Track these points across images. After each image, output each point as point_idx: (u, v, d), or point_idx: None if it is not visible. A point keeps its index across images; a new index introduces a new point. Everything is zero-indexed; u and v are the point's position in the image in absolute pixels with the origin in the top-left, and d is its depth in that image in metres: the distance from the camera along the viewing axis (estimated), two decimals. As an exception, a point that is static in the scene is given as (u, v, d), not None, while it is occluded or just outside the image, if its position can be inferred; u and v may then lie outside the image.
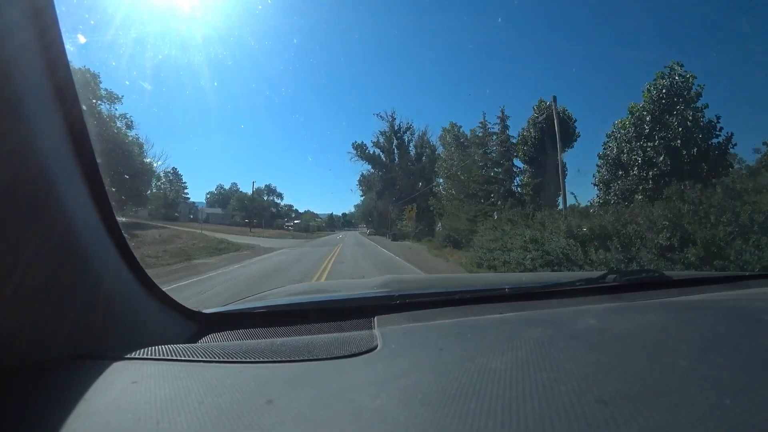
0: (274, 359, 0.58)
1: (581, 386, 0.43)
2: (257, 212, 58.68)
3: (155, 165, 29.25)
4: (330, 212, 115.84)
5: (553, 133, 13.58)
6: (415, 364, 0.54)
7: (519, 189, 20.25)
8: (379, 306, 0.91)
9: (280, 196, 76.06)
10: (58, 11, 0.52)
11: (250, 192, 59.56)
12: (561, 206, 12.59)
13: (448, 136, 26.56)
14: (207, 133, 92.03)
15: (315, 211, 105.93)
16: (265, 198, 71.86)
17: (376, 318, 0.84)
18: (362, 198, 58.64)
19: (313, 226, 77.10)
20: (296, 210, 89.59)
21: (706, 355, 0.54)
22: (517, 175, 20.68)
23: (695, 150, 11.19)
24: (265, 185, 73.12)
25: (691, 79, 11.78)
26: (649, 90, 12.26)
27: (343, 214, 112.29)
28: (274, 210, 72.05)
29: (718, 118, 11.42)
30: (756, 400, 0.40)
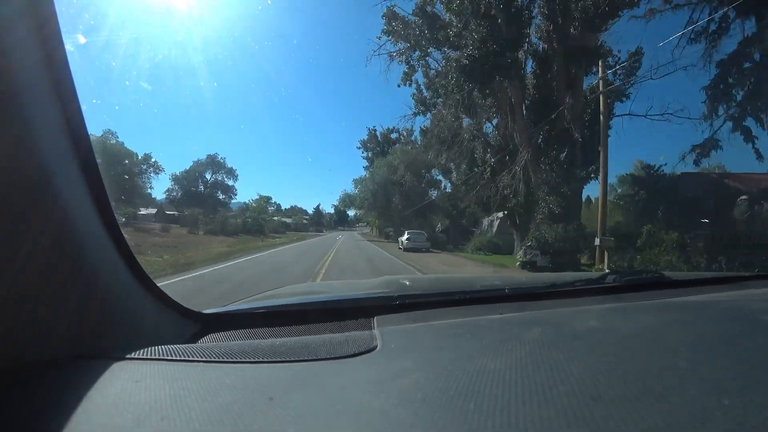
0: (275, 359, 0.58)
1: (581, 387, 0.43)
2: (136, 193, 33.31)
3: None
4: (318, 204, 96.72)
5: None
6: (414, 364, 0.54)
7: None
8: (378, 306, 0.92)
9: (231, 174, 47.90)
10: (57, 11, 0.52)
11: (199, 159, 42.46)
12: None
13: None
14: (204, 129, 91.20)
15: (302, 207, 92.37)
16: (208, 176, 46.43)
17: (375, 318, 0.84)
18: (367, 171, 35.47)
19: (282, 223, 52.75)
20: (277, 204, 69.56)
21: (705, 356, 0.54)
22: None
23: None
24: (208, 155, 46.84)
25: None
26: None
27: (333, 206, 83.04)
28: (222, 196, 46.69)
29: None
30: (756, 401, 0.40)
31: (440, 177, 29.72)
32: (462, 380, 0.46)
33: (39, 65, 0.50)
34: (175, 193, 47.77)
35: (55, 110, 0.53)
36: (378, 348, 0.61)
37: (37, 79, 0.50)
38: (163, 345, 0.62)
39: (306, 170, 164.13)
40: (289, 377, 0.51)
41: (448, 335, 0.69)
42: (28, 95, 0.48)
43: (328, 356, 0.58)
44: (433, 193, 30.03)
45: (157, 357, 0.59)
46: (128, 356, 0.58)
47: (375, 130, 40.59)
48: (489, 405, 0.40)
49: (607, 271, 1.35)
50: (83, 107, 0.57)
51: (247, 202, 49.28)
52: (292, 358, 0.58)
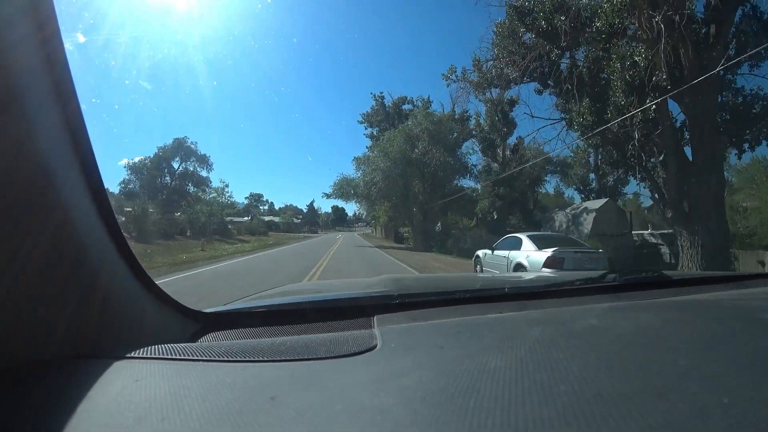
0: (275, 358, 0.58)
1: (581, 385, 0.43)
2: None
3: None
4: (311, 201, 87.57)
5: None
6: (415, 363, 0.54)
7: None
8: (378, 305, 0.91)
9: (205, 162, 38.48)
10: (57, 10, 0.51)
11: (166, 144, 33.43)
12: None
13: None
14: (203, 128, 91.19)
15: (297, 206, 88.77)
16: (176, 165, 37.44)
17: (375, 317, 0.84)
18: (372, 149, 25.11)
19: (267, 223, 45.07)
20: (269, 202, 68.60)
21: (705, 354, 0.54)
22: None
23: None
24: (175, 139, 37.30)
25: None
26: None
27: (324, 195, 69.01)
28: (193, 189, 37.76)
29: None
30: (756, 399, 0.40)
31: (472, 159, 22.31)
32: (463, 379, 0.46)
33: (39, 65, 0.50)
34: (132, 186, 38.66)
35: (55, 110, 0.53)
36: (378, 347, 0.60)
37: (37, 78, 0.50)
38: (164, 344, 0.62)
39: (305, 169, 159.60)
40: (290, 376, 0.51)
41: (449, 334, 0.68)
42: (27, 95, 0.48)
43: (328, 355, 0.58)
44: (464, 183, 22.25)
45: (157, 356, 0.58)
46: (128, 355, 0.57)
47: (382, 98, 30.53)
48: (490, 404, 0.40)
49: (606, 270, 1.21)
50: (83, 107, 0.56)
51: (212, 190, 37.79)
52: (293, 357, 0.58)
